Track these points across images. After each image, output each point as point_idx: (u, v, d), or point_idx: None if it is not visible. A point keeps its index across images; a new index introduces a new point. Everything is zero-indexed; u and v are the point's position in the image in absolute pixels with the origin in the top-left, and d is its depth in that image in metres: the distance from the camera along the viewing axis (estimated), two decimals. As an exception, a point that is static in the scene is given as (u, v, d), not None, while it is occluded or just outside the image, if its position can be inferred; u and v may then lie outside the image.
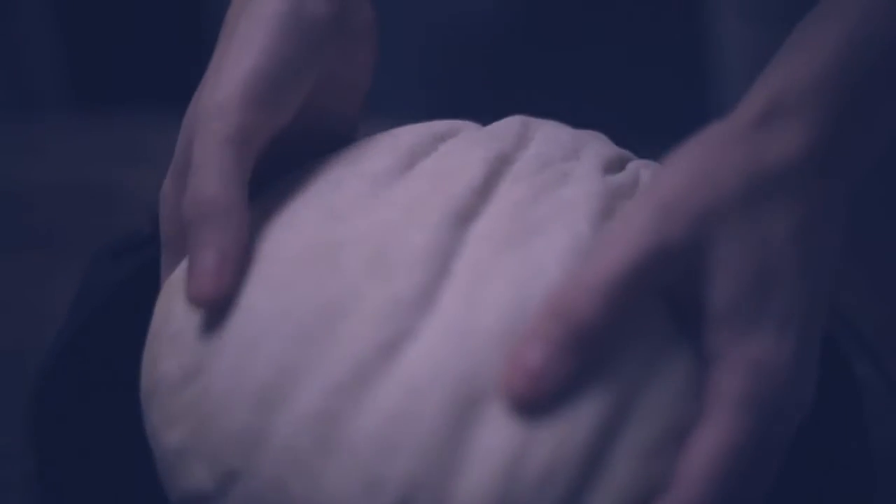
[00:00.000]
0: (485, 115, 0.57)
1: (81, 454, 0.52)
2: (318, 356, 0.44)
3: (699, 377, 0.45)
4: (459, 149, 0.51)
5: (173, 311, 0.48)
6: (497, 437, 0.42)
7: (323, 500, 0.43)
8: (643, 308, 0.45)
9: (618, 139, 0.54)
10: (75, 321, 0.54)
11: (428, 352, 0.44)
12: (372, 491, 0.42)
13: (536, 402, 0.42)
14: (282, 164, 0.51)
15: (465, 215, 0.48)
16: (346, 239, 0.47)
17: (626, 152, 0.53)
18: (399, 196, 0.48)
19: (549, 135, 0.52)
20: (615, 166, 0.51)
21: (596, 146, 0.52)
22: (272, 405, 0.44)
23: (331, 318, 0.45)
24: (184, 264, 0.49)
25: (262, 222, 0.48)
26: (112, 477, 0.53)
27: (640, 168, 0.51)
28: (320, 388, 0.44)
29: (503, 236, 0.47)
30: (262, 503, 0.44)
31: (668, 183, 0.44)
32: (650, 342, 0.45)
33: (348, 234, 0.47)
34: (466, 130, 0.53)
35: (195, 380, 0.46)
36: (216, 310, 0.46)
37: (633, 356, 0.44)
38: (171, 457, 0.46)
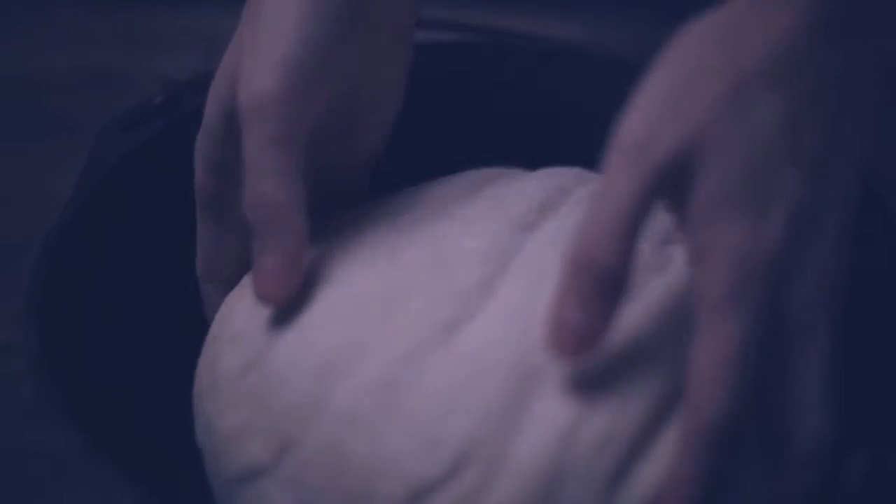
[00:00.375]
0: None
1: (85, 336, 0.52)
2: (378, 335, 0.46)
3: None
4: (518, 181, 0.53)
5: (233, 315, 0.50)
6: (553, 407, 0.43)
7: (381, 460, 0.44)
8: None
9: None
10: (82, 193, 0.53)
11: (487, 330, 0.46)
12: (430, 448, 0.43)
13: (587, 354, 0.42)
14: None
15: (525, 225, 0.50)
16: (407, 243, 0.49)
17: None
18: (459, 211, 0.51)
19: None
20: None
21: None
22: (332, 377, 0.45)
23: (391, 303, 0.47)
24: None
25: (327, 235, 0.51)
26: (116, 357, 0.53)
27: None
28: (381, 361, 0.45)
29: (564, 241, 0.46)
30: (317, 469, 0.44)
31: (651, 98, 0.42)
32: None
33: (409, 239, 0.49)
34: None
35: (255, 367, 0.47)
36: (282, 308, 0.47)
37: (685, 334, 0.43)
38: (225, 442, 0.47)
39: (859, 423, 0.45)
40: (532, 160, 0.56)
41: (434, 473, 0.43)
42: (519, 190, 0.52)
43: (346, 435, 0.44)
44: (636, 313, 0.45)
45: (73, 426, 0.45)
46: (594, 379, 0.44)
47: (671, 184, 0.42)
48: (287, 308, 0.48)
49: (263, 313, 0.48)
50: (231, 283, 0.52)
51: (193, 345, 0.51)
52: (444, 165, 0.55)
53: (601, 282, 0.42)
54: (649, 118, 0.42)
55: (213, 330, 0.51)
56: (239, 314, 0.50)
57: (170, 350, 0.53)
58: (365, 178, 0.55)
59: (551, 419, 0.43)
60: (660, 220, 0.48)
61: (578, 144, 0.55)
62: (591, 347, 0.42)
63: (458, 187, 0.53)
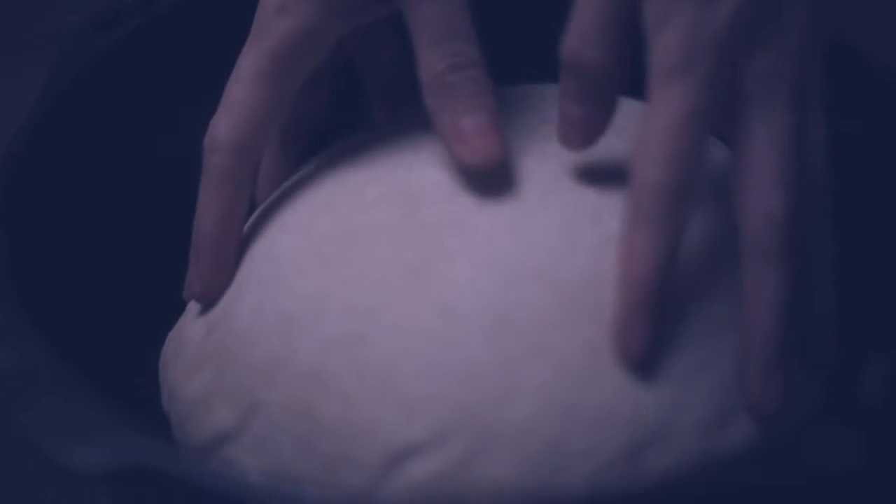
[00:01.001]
0: None
1: (51, 243, 0.48)
2: (342, 282, 0.42)
3: None
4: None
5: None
6: (547, 371, 0.40)
7: (355, 423, 0.40)
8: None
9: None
10: (49, 96, 0.49)
11: (465, 276, 0.42)
12: (409, 412, 0.40)
13: (587, 145, 0.44)
14: None
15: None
16: (368, 180, 0.45)
17: None
18: (426, 145, 0.47)
19: None
20: None
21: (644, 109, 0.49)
22: (295, 332, 0.42)
23: (352, 247, 0.43)
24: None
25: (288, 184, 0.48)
26: (81, 269, 0.49)
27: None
28: (344, 311, 0.41)
29: (551, 179, 0.44)
30: (286, 433, 0.41)
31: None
32: None
33: (371, 176, 0.45)
34: None
35: (218, 327, 0.44)
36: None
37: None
38: (190, 407, 0.44)
39: (874, 327, 0.44)
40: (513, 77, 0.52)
41: (414, 439, 0.40)
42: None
43: (314, 395, 0.41)
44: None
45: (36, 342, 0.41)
46: (599, 339, 0.40)
47: None
48: (246, 264, 0.45)
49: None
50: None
51: (167, 258, 0.49)
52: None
53: (590, 78, 0.43)
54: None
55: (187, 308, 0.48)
56: None
57: (141, 271, 0.51)
58: None
59: (547, 385, 0.40)
60: None
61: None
62: (591, 141, 0.44)
63: (425, 121, 0.49)
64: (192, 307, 0.47)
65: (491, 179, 0.44)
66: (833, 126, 0.43)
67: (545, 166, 0.45)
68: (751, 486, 0.35)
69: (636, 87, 0.45)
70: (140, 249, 0.51)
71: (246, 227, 0.47)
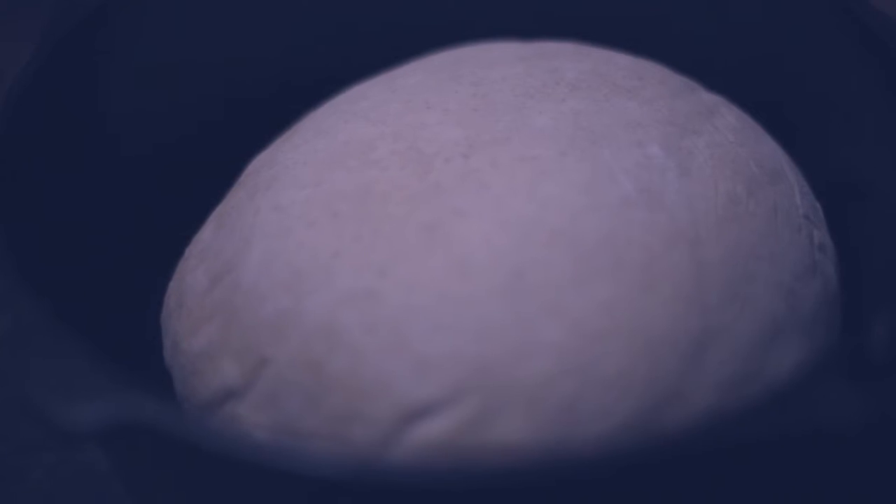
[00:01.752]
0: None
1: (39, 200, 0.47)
2: (353, 240, 0.41)
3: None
4: (502, 63, 0.48)
5: (200, 233, 0.46)
6: (564, 330, 0.39)
7: (366, 379, 0.39)
8: None
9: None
10: (48, 43, 0.48)
11: (478, 231, 0.41)
12: (422, 369, 0.39)
13: None
14: None
15: (514, 111, 0.45)
16: (379, 136, 0.45)
17: (689, 81, 0.49)
18: (437, 100, 0.46)
19: (605, 56, 0.49)
20: (682, 94, 0.47)
21: (657, 71, 0.48)
22: (305, 288, 0.41)
23: (364, 204, 0.42)
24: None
25: (293, 134, 0.47)
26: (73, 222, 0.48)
27: (717, 103, 0.48)
28: (356, 269, 0.41)
29: (566, 139, 0.43)
30: (294, 389, 0.40)
31: None
32: None
33: (382, 133, 0.45)
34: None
35: (224, 279, 0.43)
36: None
37: None
38: (194, 362, 0.43)
39: (875, 284, 0.44)
40: (521, 31, 0.51)
41: (427, 397, 0.39)
42: (504, 74, 0.47)
43: (324, 352, 0.40)
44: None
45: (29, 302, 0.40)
46: (615, 300, 0.40)
47: None
48: (250, 214, 0.44)
49: (230, 225, 0.45)
50: None
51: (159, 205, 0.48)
52: (420, 41, 0.51)
53: None
54: None
55: (185, 254, 0.47)
56: (206, 231, 0.46)
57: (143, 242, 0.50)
58: None
59: (562, 345, 0.39)
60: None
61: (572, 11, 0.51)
62: None
63: (434, 73, 0.48)
64: (191, 252, 0.46)
65: (505, 138, 0.44)
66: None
67: (560, 126, 0.44)
68: (756, 443, 0.34)
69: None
70: (130, 197, 0.51)
71: (247, 173, 0.47)
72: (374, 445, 0.39)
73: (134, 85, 0.51)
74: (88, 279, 0.47)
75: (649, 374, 0.39)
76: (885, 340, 0.35)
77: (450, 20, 0.54)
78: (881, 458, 0.44)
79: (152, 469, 0.41)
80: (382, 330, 0.40)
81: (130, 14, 0.50)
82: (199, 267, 0.45)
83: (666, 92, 0.47)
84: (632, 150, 0.44)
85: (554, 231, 0.41)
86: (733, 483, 0.38)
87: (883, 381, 0.35)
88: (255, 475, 0.36)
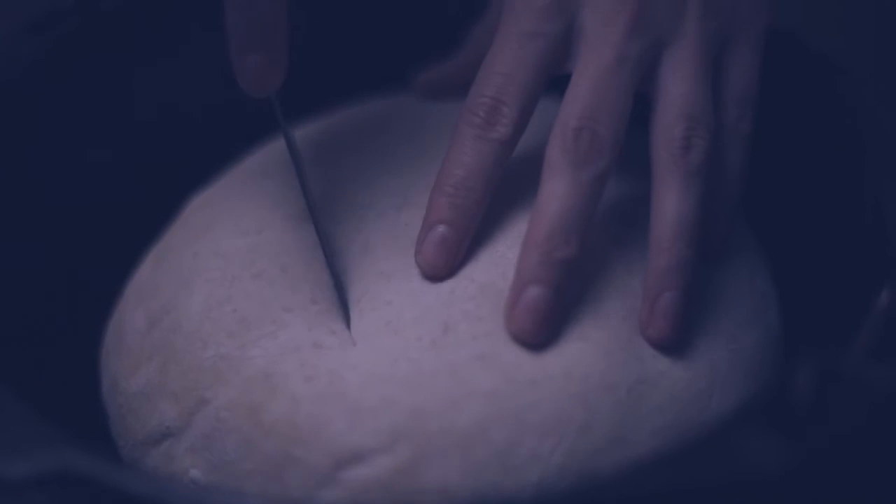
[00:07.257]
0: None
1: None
2: (300, 293, 0.43)
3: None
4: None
5: (138, 275, 0.47)
6: (493, 382, 0.40)
7: (302, 426, 0.40)
8: None
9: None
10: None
11: (406, 295, 0.43)
12: (357, 417, 0.40)
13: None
14: None
15: None
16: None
17: None
18: None
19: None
20: None
21: None
22: (251, 337, 0.42)
23: (307, 256, 0.44)
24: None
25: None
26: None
27: None
28: (311, 325, 0.42)
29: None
30: (230, 433, 0.41)
31: None
32: None
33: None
34: None
35: (163, 321, 0.44)
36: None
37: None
38: (133, 401, 0.44)
39: (802, 325, 0.45)
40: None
41: (360, 444, 0.40)
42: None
43: (263, 398, 0.41)
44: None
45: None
46: (548, 347, 0.41)
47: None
48: (188, 259, 0.45)
49: (167, 266, 0.45)
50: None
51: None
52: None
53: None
54: None
55: (121, 299, 0.47)
56: (144, 270, 0.47)
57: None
58: None
59: (494, 392, 0.40)
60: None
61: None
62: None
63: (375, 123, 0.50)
64: (130, 291, 0.47)
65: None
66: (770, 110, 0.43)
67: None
68: (677, 491, 0.35)
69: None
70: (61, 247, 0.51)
71: (186, 213, 0.47)
72: (308, 489, 0.40)
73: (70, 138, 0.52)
74: (26, 322, 0.47)
75: (585, 421, 0.40)
76: (806, 390, 0.36)
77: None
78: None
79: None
80: (319, 379, 0.41)
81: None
82: (137, 307, 0.45)
83: None
84: None
85: (480, 284, 0.42)
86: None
87: (804, 429, 0.35)
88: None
